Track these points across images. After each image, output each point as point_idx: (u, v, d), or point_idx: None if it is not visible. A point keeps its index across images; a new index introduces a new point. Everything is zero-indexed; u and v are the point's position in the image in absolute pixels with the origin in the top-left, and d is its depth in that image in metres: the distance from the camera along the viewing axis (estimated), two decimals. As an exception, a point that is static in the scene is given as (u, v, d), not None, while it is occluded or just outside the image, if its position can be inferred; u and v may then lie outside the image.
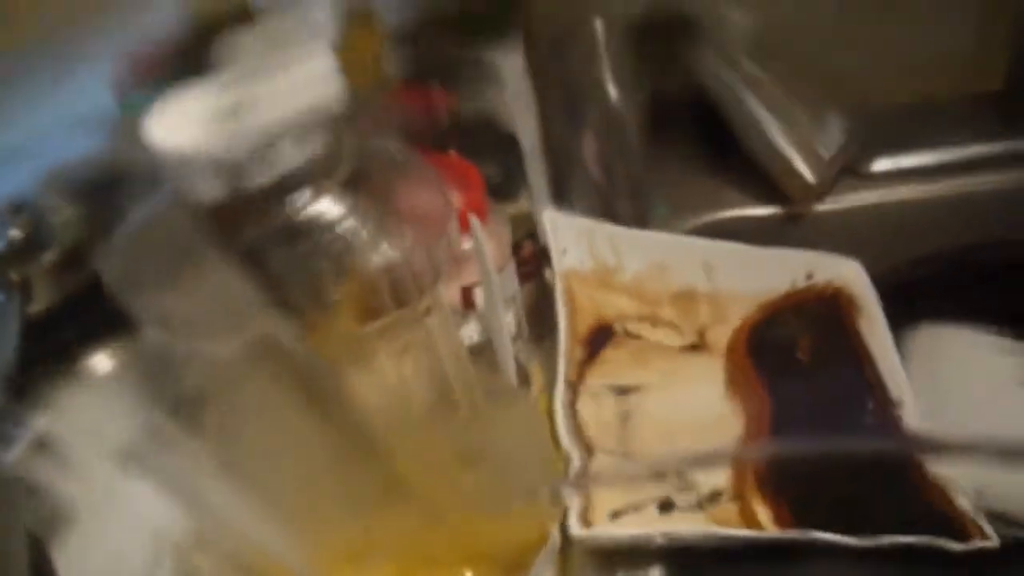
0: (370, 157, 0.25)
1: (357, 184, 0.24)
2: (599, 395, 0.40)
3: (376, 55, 0.42)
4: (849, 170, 0.51)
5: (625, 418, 0.40)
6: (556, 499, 0.32)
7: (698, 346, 0.44)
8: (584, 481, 0.36)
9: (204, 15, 0.37)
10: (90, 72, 0.35)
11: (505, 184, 0.41)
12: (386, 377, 0.26)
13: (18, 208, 0.34)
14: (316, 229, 0.23)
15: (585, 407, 0.39)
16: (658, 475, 0.37)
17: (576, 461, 0.36)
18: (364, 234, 0.23)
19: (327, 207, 0.23)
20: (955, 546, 0.32)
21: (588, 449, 0.37)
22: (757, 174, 0.50)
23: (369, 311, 0.24)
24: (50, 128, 0.34)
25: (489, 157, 0.40)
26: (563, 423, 0.37)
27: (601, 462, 0.37)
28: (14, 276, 0.33)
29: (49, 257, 0.34)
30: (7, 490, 0.27)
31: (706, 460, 0.38)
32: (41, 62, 0.34)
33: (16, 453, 0.24)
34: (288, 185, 0.23)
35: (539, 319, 0.43)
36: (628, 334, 0.43)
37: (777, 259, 0.45)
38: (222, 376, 0.24)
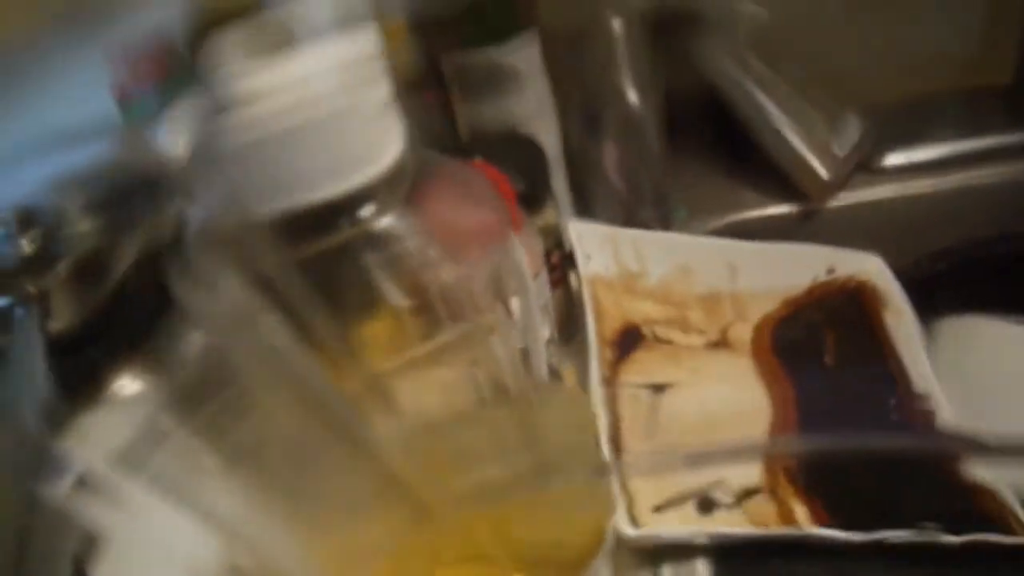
0: (427, 168, 0.24)
1: (418, 197, 0.23)
2: (634, 392, 0.41)
3: (393, 54, 0.42)
4: (862, 166, 0.52)
5: (658, 414, 0.40)
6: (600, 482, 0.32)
7: (720, 343, 0.44)
8: (623, 468, 0.37)
9: (210, 11, 0.36)
10: (90, 74, 0.34)
11: (530, 194, 0.40)
12: (443, 390, 0.26)
13: (29, 217, 0.33)
14: (380, 245, 0.22)
15: (621, 403, 0.40)
16: (694, 464, 0.37)
17: (611, 453, 0.37)
18: (427, 251, 0.23)
19: (391, 223, 0.23)
20: (1001, 540, 0.32)
21: (622, 443, 0.38)
22: (773, 173, 0.51)
23: (428, 329, 0.23)
24: (48, 134, 0.32)
25: (512, 166, 0.39)
26: (601, 419, 0.38)
27: (637, 454, 0.38)
28: (31, 289, 0.31)
29: (64, 269, 0.32)
30: (53, 520, 0.26)
31: (738, 453, 0.38)
32: (36, 64, 0.33)
33: (63, 486, 0.24)
34: (356, 200, 0.22)
35: (567, 324, 0.43)
36: (658, 339, 0.44)
37: (798, 255, 0.46)
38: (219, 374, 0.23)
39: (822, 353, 0.43)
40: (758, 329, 0.45)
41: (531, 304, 0.33)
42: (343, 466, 0.24)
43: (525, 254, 0.35)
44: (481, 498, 0.26)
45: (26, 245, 0.32)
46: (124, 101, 0.34)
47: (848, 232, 0.50)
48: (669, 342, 0.44)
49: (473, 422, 0.27)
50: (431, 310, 0.23)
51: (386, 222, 0.23)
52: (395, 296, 0.23)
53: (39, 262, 0.32)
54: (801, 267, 0.45)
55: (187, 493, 0.23)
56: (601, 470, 0.34)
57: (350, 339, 0.23)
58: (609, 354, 0.42)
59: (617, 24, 0.45)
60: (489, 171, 0.37)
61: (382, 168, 0.22)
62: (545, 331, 0.38)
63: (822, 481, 0.37)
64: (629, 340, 0.43)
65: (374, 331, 0.24)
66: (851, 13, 0.53)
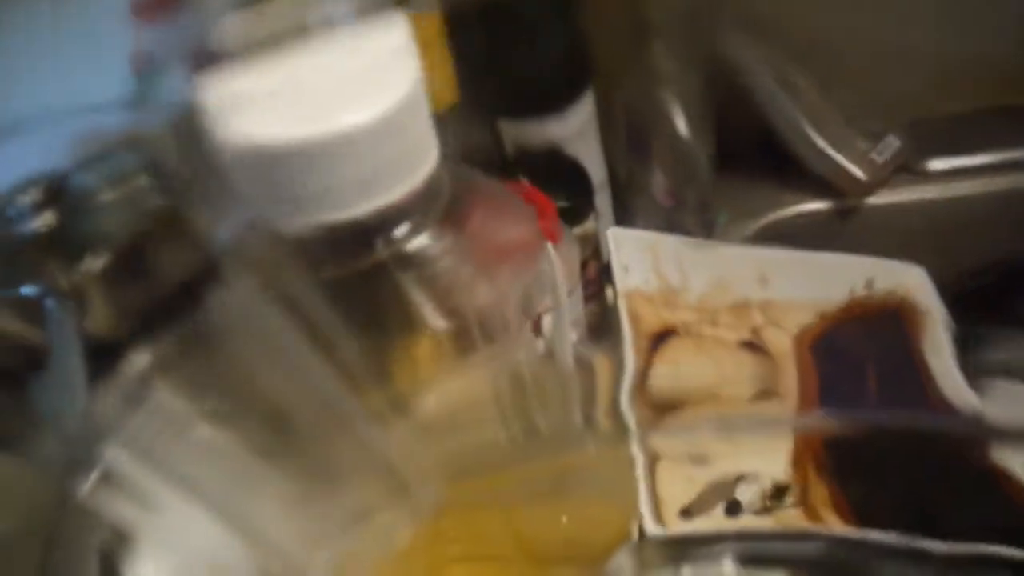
0: (458, 183, 0.24)
1: (452, 216, 0.23)
2: (661, 383, 0.42)
3: (436, 60, 0.40)
4: (905, 168, 0.51)
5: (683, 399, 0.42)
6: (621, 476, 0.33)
7: (755, 345, 0.44)
8: (648, 434, 0.38)
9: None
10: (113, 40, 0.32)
11: (572, 210, 0.42)
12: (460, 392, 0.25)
13: (52, 188, 0.31)
14: (415, 266, 0.22)
15: (651, 390, 0.41)
16: (722, 432, 0.37)
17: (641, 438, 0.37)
18: (462, 272, 0.22)
19: (426, 242, 0.22)
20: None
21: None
22: (814, 175, 0.51)
23: (461, 349, 0.23)
24: (56, 102, 0.30)
25: (555, 184, 0.40)
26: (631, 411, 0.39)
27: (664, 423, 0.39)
28: (62, 281, 0.29)
29: (98, 259, 0.30)
30: (79, 518, 0.26)
31: (764, 425, 0.39)
32: (42, 21, 0.31)
33: (89, 484, 0.23)
34: (390, 218, 0.21)
35: (599, 330, 0.44)
36: (690, 334, 0.45)
37: (836, 264, 0.45)
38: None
39: (863, 378, 0.42)
40: (797, 340, 0.44)
41: (563, 323, 0.33)
42: (328, 437, 0.24)
43: (561, 269, 0.37)
44: (484, 464, 0.26)
45: (50, 220, 0.31)
46: (140, 69, 0.32)
47: (890, 234, 0.50)
48: (700, 335, 0.44)
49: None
50: (466, 331, 0.23)
51: (421, 242, 0.22)
52: (434, 319, 0.22)
53: (67, 244, 0.31)
54: (838, 278, 0.45)
55: (164, 455, 0.22)
56: (614, 438, 0.34)
57: (382, 361, 0.23)
58: (644, 344, 0.43)
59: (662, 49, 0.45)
60: (530, 190, 0.38)
61: (416, 184, 0.21)
62: (573, 336, 0.39)
63: (854, 480, 0.37)
64: (664, 336, 0.44)
65: (412, 353, 0.24)
66: (900, 27, 0.52)
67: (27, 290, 0.29)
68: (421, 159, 0.22)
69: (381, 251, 0.21)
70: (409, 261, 0.22)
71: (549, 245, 0.33)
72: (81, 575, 0.26)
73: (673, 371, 0.42)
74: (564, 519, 0.27)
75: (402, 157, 0.21)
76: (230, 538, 0.24)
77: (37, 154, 0.32)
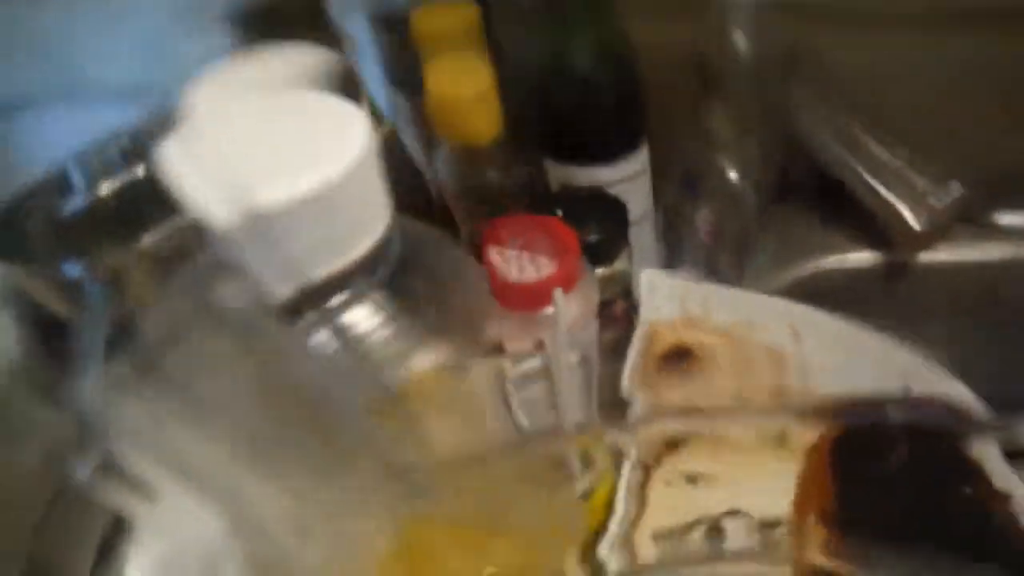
0: (410, 245, 0.23)
1: (398, 281, 0.22)
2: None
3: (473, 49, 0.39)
4: (967, 219, 0.48)
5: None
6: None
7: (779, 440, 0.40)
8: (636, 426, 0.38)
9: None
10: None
11: (604, 245, 0.42)
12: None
13: (107, 168, 0.29)
14: (349, 339, 0.22)
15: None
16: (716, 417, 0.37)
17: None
18: (401, 344, 0.22)
19: (363, 315, 0.22)
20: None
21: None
22: (866, 223, 0.49)
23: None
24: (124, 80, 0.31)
25: (591, 218, 0.41)
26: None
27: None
28: (108, 259, 0.28)
29: (145, 232, 0.28)
30: (76, 504, 0.27)
31: (767, 413, 0.37)
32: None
33: (88, 471, 0.22)
34: (325, 289, 0.21)
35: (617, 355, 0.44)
36: (714, 358, 0.44)
37: (870, 350, 0.42)
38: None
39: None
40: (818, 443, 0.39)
41: (560, 360, 0.35)
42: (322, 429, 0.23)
43: (576, 306, 0.38)
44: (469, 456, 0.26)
45: (103, 197, 0.30)
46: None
47: (944, 294, 0.48)
48: (718, 367, 0.43)
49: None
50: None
51: (358, 313, 0.22)
52: (377, 387, 0.22)
53: (116, 222, 0.30)
54: (871, 369, 0.41)
55: (163, 434, 0.21)
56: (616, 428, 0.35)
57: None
58: (652, 365, 0.42)
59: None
60: (559, 226, 0.39)
61: (359, 253, 0.21)
62: (573, 358, 0.37)
63: (860, 528, 0.34)
64: (679, 356, 0.43)
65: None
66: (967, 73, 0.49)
67: (69, 268, 0.29)
68: (364, 230, 0.21)
69: (311, 320, 0.21)
70: (343, 332, 0.22)
71: (558, 291, 0.35)
72: (76, 560, 0.27)
73: (681, 389, 0.42)
74: (489, 570, 0.27)
75: (346, 229, 0.21)
76: (221, 527, 0.24)
77: (97, 125, 0.32)
